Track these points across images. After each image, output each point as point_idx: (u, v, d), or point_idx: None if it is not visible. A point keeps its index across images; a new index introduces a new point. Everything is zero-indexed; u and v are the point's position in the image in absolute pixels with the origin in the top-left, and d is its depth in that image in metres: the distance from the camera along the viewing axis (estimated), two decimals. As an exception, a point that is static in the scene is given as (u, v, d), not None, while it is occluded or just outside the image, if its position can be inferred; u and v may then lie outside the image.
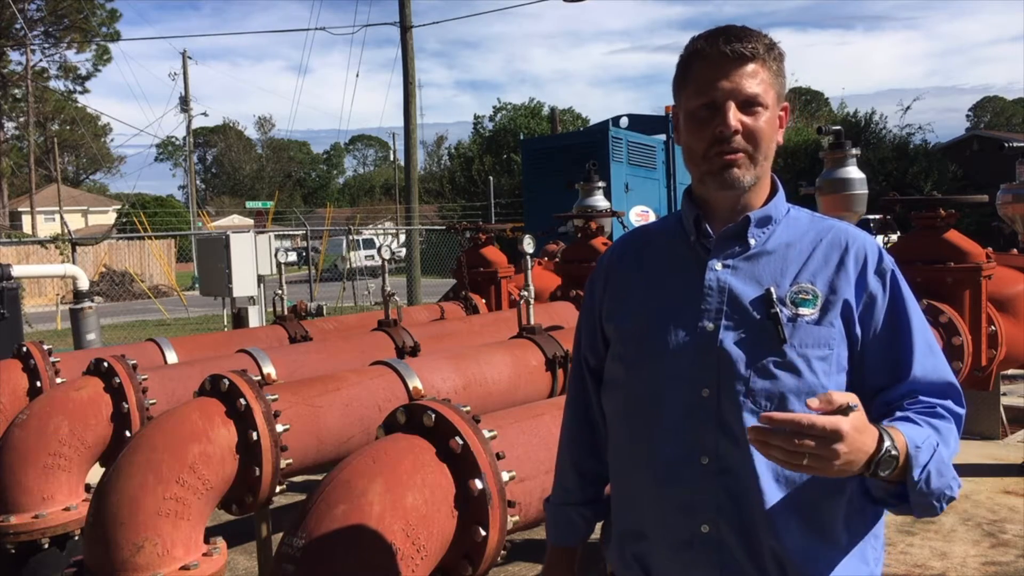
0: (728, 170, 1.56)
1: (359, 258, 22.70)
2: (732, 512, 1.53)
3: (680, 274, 1.65)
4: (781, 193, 1.66)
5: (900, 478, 1.41)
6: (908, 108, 33.57)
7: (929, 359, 1.57)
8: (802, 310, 1.54)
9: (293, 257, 25.98)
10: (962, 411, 1.56)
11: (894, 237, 6.72)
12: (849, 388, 1.56)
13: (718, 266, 1.60)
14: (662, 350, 1.60)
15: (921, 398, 1.54)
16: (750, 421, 1.51)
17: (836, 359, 1.54)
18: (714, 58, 1.55)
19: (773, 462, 1.34)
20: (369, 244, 30.68)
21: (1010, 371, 6.92)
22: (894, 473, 1.38)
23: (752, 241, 1.61)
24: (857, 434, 1.31)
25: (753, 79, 1.55)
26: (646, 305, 1.67)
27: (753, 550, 1.53)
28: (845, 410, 1.30)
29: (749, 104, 1.55)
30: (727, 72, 1.54)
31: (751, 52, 1.54)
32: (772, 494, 1.51)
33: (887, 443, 1.36)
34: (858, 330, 1.56)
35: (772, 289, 1.55)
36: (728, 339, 1.55)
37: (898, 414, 1.50)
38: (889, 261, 1.60)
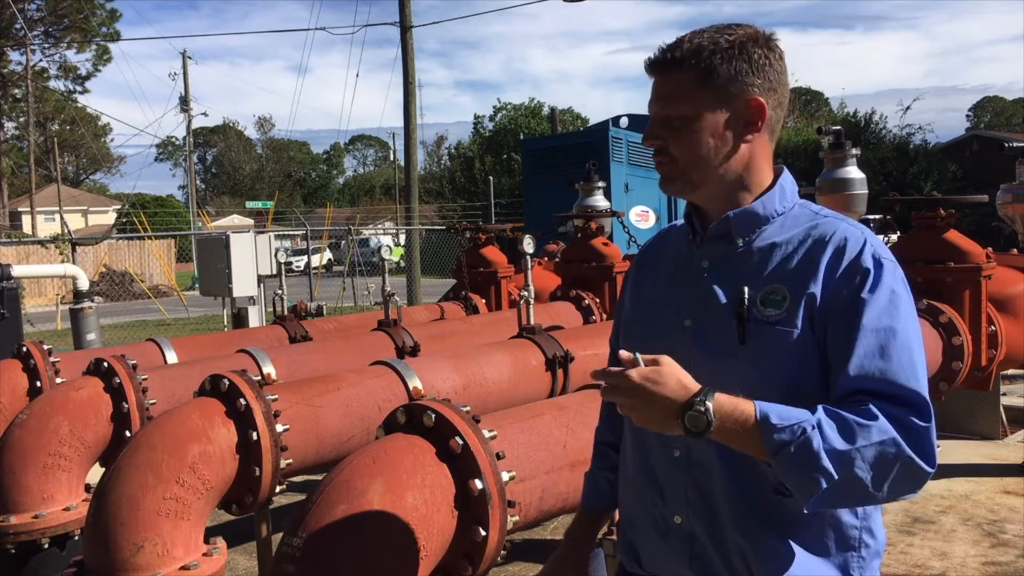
0: (663, 180, 1.65)
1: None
2: (700, 505, 1.58)
3: (680, 272, 1.70)
4: (779, 189, 1.63)
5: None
6: (908, 108, 33.65)
7: (875, 361, 1.44)
8: (770, 311, 1.53)
9: (302, 263, 25.80)
10: (924, 424, 1.41)
11: (894, 237, 6.72)
12: (811, 388, 1.50)
13: (704, 263, 1.65)
14: (651, 345, 1.61)
15: (859, 397, 1.43)
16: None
17: (798, 359, 1.50)
18: (648, 73, 1.63)
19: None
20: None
21: (1010, 371, 6.91)
22: (714, 434, 1.38)
23: (739, 241, 1.61)
24: (650, 384, 1.38)
25: (666, 96, 1.59)
26: (648, 301, 1.75)
27: (719, 543, 1.56)
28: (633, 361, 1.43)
29: (666, 122, 1.60)
30: (654, 89, 1.62)
31: (669, 64, 1.58)
32: (735, 489, 1.53)
33: (696, 399, 1.37)
34: (824, 329, 1.50)
35: (745, 289, 1.56)
36: (698, 336, 1.59)
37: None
38: (869, 258, 1.51)
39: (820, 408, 1.41)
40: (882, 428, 1.38)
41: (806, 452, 1.36)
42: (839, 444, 1.36)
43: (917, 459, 1.39)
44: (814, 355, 1.51)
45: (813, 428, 1.37)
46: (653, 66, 1.60)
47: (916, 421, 1.41)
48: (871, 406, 1.40)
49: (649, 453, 1.66)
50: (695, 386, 1.39)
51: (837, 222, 1.59)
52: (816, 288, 1.51)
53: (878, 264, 1.51)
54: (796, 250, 1.57)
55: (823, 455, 1.36)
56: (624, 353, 1.41)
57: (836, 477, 1.36)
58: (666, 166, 1.62)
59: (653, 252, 1.83)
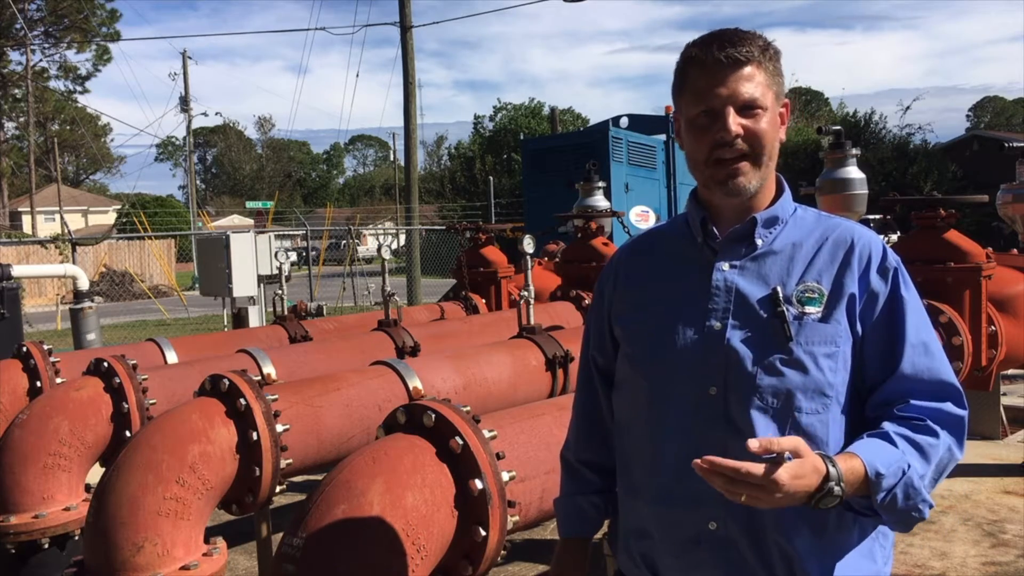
0: (733, 179, 1.58)
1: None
2: (740, 509, 1.53)
3: (687, 275, 1.67)
4: (787, 193, 1.68)
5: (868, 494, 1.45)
6: (908, 108, 33.37)
7: (922, 358, 1.56)
8: (808, 308, 1.56)
9: (292, 258, 25.32)
10: (962, 413, 1.56)
11: (894, 237, 6.72)
12: (851, 386, 1.58)
13: (725, 266, 1.62)
14: (670, 349, 1.62)
15: (912, 403, 1.53)
16: (758, 418, 1.53)
17: (842, 356, 1.55)
18: (709, 64, 1.56)
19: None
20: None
21: (1010, 371, 6.91)
22: (850, 495, 1.42)
23: (759, 242, 1.62)
24: (795, 480, 1.36)
25: (750, 82, 1.56)
26: (654, 305, 1.68)
27: (760, 547, 1.54)
28: (780, 459, 1.35)
29: (748, 108, 1.56)
30: (723, 78, 1.55)
31: (746, 56, 1.55)
32: None
33: (831, 483, 1.39)
34: (859, 327, 1.57)
35: (779, 288, 1.57)
36: (735, 337, 1.56)
37: (882, 427, 1.51)
38: (893, 259, 1.61)
39: (891, 433, 1.49)
40: (944, 442, 1.51)
41: (910, 490, 1.46)
42: (922, 469, 1.47)
43: (957, 452, 1.54)
44: (851, 348, 1.57)
45: (909, 466, 1.45)
46: (728, 60, 1.55)
47: (956, 411, 1.55)
48: (928, 421, 1.51)
49: (673, 461, 1.59)
50: (822, 466, 1.40)
51: (849, 223, 1.66)
52: (854, 287, 1.57)
53: (898, 263, 1.61)
54: (819, 251, 1.61)
55: (922, 490, 1.46)
56: (757, 443, 1.35)
57: (930, 501, 1.48)
58: (747, 158, 1.57)
59: (641, 255, 1.79)
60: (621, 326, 1.74)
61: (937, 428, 1.51)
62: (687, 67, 1.61)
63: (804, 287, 1.57)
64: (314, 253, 21.58)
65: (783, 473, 1.34)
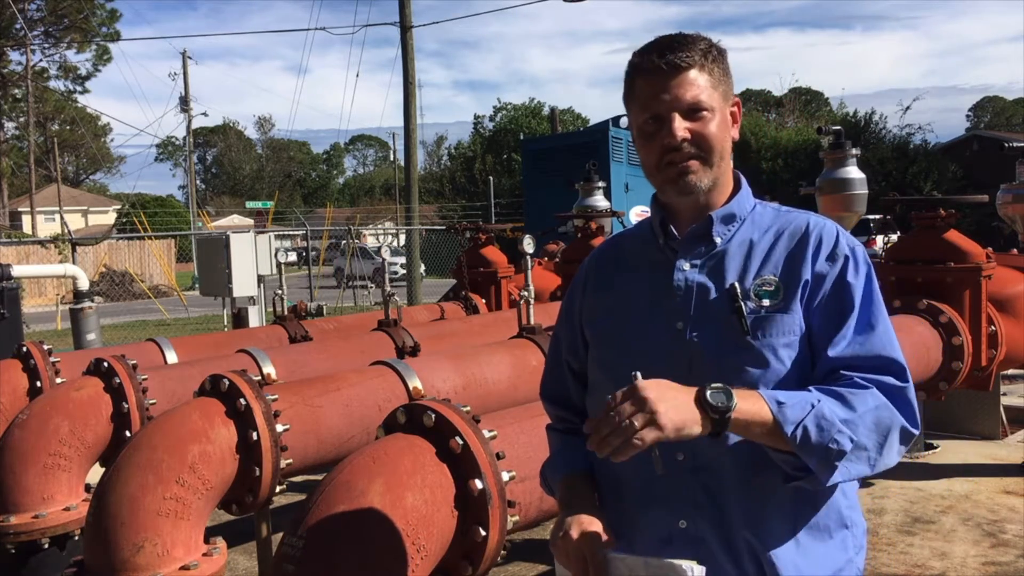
0: (684, 177, 1.60)
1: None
2: (708, 507, 1.57)
3: (651, 276, 1.69)
4: (745, 190, 1.70)
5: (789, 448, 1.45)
6: (908, 108, 33.35)
7: (862, 336, 1.56)
8: (765, 302, 1.58)
9: (292, 257, 25.45)
10: (903, 384, 1.54)
11: (894, 237, 6.72)
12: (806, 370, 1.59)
13: (686, 266, 1.65)
14: (636, 351, 1.64)
15: (842, 373, 1.53)
16: None
17: (801, 343, 1.57)
18: (651, 72, 1.59)
19: (620, 459, 1.39)
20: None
21: (1010, 371, 6.91)
22: (733, 424, 1.41)
23: (718, 240, 1.65)
24: (658, 385, 1.39)
25: (692, 86, 1.58)
26: (620, 308, 1.71)
27: (729, 544, 1.56)
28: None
29: (693, 111, 1.58)
30: (666, 84, 1.58)
31: (686, 61, 1.57)
32: (747, 488, 1.55)
33: (708, 384, 1.41)
34: (806, 311, 1.59)
35: (736, 284, 1.59)
36: (697, 335, 1.59)
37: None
38: (846, 246, 1.62)
39: (816, 387, 1.50)
40: (875, 395, 1.50)
41: (822, 421, 1.44)
42: (843, 414, 1.46)
43: (899, 417, 1.51)
44: (806, 336, 1.58)
45: (819, 401, 1.46)
46: (668, 67, 1.57)
47: (896, 383, 1.53)
48: (856, 378, 1.51)
49: (642, 462, 1.55)
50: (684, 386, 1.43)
51: (806, 215, 1.69)
52: (808, 275, 1.60)
53: (853, 250, 1.63)
54: (776, 244, 1.64)
55: (837, 421, 1.45)
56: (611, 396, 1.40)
57: (855, 439, 1.45)
58: (696, 159, 1.59)
59: (609, 258, 1.81)
60: (591, 330, 1.77)
61: (865, 383, 1.50)
62: (632, 76, 1.64)
63: (761, 281, 1.60)
64: (314, 253, 21.57)
65: (639, 381, 1.38)
